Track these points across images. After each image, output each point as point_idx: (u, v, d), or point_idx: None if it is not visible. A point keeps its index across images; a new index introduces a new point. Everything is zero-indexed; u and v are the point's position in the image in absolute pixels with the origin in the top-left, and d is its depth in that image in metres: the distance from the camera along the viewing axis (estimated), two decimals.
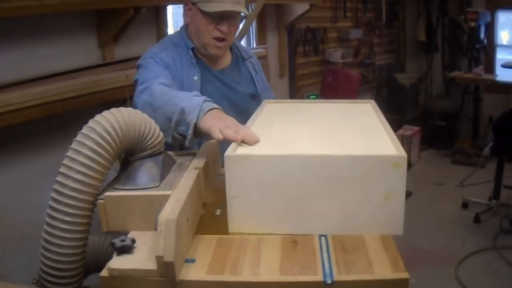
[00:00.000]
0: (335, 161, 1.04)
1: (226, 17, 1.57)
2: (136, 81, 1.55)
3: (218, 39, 1.59)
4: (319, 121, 1.43)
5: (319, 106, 1.65)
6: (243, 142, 1.15)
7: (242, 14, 1.62)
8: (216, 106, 1.29)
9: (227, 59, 1.74)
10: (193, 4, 1.60)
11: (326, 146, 1.18)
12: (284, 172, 1.05)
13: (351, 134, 1.27)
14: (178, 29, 1.75)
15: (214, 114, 1.25)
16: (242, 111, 1.57)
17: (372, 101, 1.60)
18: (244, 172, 1.06)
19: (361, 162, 1.03)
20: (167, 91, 1.40)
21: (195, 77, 1.61)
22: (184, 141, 1.31)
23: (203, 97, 1.29)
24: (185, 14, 1.66)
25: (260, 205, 1.08)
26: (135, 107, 1.42)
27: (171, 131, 1.31)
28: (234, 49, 1.79)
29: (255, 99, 1.75)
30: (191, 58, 1.62)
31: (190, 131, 1.26)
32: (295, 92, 4.27)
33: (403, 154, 1.04)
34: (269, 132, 1.27)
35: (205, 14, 1.55)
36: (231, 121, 1.23)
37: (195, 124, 1.25)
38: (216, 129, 1.18)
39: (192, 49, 1.64)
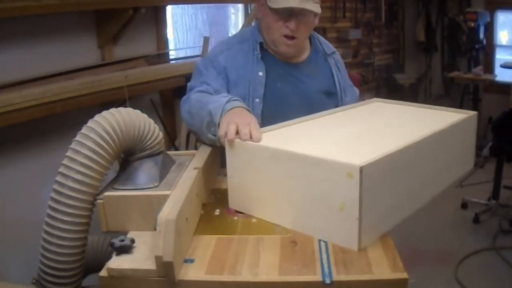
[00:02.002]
0: (299, 160, 1.05)
1: (295, 14, 1.51)
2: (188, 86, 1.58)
3: (287, 36, 1.54)
4: (376, 124, 1.39)
5: (413, 110, 1.57)
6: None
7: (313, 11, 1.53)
8: (240, 104, 1.29)
9: (304, 53, 1.69)
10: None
11: (324, 146, 1.16)
12: (263, 162, 1.13)
13: (370, 139, 1.23)
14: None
15: (234, 112, 1.26)
16: (315, 106, 1.54)
17: (467, 113, 1.44)
18: (237, 156, 1.18)
19: (319, 165, 1.01)
20: (203, 97, 1.42)
21: (260, 73, 1.57)
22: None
23: (228, 97, 1.31)
24: (258, 10, 1.64)
25: (248, 188, 1.18)
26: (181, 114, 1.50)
27: (205, 134, 1.35)
28: (315, 43, 1.72)
29: (331, 97, 1.68)
30: (257, 53, 1.59)
31: (217, 131, 1.27)
32: None
33: (359, 165, 0.94)
34: (313, 126, 1.37)
35: (273, 10, 1.52)
36: (245, 119, 1.21)
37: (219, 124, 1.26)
38: (224, 124, 1.20)
39: (261, 44, 1.60)
